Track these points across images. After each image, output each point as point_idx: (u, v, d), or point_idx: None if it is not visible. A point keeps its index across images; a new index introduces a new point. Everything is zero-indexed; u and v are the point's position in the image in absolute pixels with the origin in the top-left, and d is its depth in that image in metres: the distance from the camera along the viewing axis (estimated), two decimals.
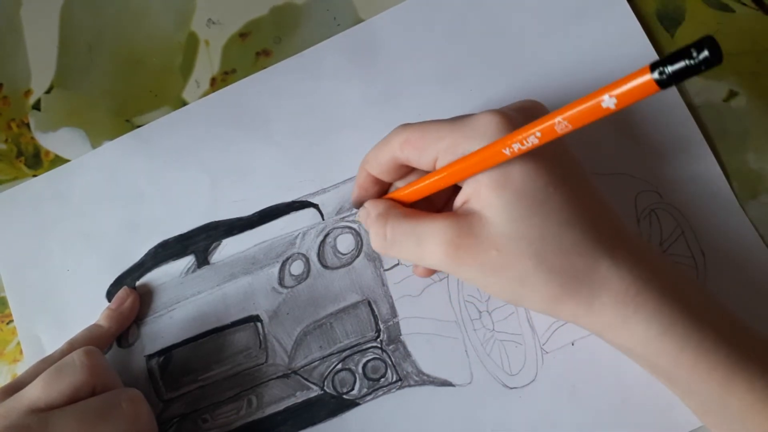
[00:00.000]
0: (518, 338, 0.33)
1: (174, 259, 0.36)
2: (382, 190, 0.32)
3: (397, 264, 0.34)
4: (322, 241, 0.35)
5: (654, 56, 0.35)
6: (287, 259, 0.35)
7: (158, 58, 0.39)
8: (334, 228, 0.35)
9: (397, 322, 0.34)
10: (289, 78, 0.37)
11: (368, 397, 0.33)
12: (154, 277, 0.36)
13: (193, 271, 0.36)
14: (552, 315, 0.27)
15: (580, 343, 0.32)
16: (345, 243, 0.35)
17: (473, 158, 0.25)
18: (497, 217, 0.25)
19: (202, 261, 0.36)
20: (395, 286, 0.34)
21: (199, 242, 0.36)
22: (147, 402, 0.31)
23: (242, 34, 0.39)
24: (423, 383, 0.33)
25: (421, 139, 0.27)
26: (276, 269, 0.35)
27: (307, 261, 0.35)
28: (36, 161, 0.39)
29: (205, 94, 0.38)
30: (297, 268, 0.35)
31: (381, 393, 0.33)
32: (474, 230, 0.26)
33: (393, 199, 0.30)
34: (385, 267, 0.34)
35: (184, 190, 0.37)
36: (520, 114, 0.27)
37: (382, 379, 0.33)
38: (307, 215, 0.36)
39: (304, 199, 0.36)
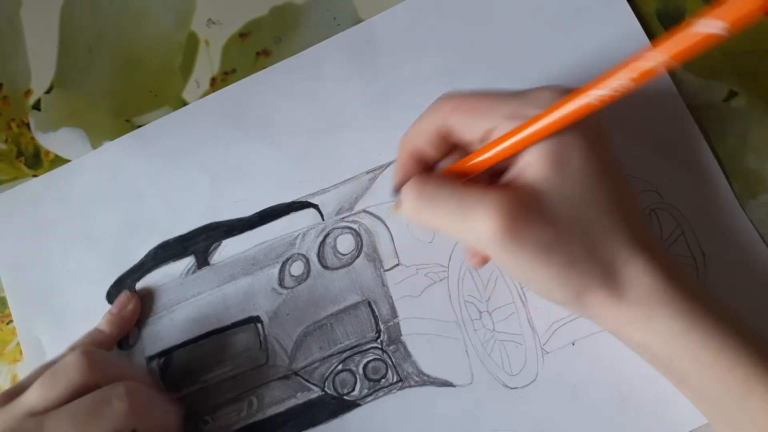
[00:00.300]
0: (519, 338, 0.33)
1: (174, 260, 0.36)
2: (424, 171, 0.29)
3: (398, 264, 0.34)
4: (322, 242, 0.35)
5: None
6: (287, 259, 0.35)
7: (158, 58, 0.39)
8: (334, 228, 0.35)
9: (398, 323, 0.34)
10: (289, 78, 0.37)
11: (369, 398, 0.33)
12: (154, 278, 0.36)
13: (193, 272, 0.36)
14: (576, 306, 0.26)
15: (581, 343, 0.32)
16: (345, 243, 0.35)
17: (558, 110, 0.23)
18: (555, 194, 0.24)
19: (202, 262, 0.36)
20: (395, 286, 0.34)
21: (199, 243, 0.36)
22: (149, 391, 0.30)
23: (242, 34, 0.39)
24: (423, 384, 0.33)
25: (476, 106, 0.26)
26: (276, 270, 0.35)
27: (307, 261, 0.35)
28: (36, 161, 0.39)
29: (205, 94, 0.38)
30: (297, 268, 0.35)
31: (382, 394, 0.33)
32: (532, 205, 0.24)
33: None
34: (386, 267, 0.34)
35: (184, 190, 0.37)
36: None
37: (383, 380, 0.33)
38: (307, 215, 0.36)
39: (304, 200, 0.36)
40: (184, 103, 0.38)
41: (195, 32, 0.39)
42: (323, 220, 0.35)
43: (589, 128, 0.25)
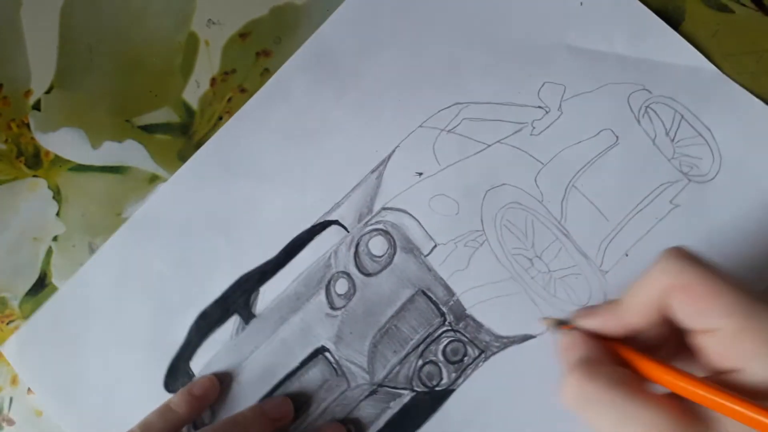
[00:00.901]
0: (575, 269, 0.33)
1: (219, 326, 0.35)
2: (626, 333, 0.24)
3: (435, 246, 0.34)
4: (356, 252, 0.35)
5: None
6: (329, 281, 0.35)
7: (158, 58, 0.39)
8: (362, 235, 0.35)
9: (458, 299, 0.34)
10: (262, 113, 0.37)
11: (460, 381, 0.33)
12: (205, 350, 0.35)
13: (243, 330, 0.35)
14: None
15: (633, 251, 0.33)
16: (378, 245, 0.35)
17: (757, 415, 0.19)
18: None
19: (248, 316, 0.35)
20: (441, 266, 0.34)
21: (237, 299, 0.35)
22: None
23: (242, 34, 0.38)
24: (505, 346, 0.33)
25: (706, 298, 0.21)
26: (322, 295, 0.35)
27: (349, 276, 0.35)
28: (36, 161, 0.38)
29: (205, 94, 0.38)
30: (342, 286, 0.35)
31: (470, 371, 0.33)
32: None
33: (613, 347, 0.24)
34: (425, 253, 0.34)
35: (202, 255, 0.36)
36: None
37: (466, 358, 0.33)
38: (332, 233, 0.35)
39: (322, 221, 0.36)
40: (184, 103, 0.38)
41: (195, 32, 0.39)
42: (348, 231, 0.35)
43: None
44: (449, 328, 0.33)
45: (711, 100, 0.34)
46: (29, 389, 0.36)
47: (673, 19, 0.35)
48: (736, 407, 0.19)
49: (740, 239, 0.33)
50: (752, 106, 0.34)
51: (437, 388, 0.33)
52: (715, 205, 0.33)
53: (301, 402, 0.33)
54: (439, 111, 0.36)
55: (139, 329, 0.36)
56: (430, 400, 0.33)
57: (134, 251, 0.37)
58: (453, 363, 0.33)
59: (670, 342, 0.24)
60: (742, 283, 0.21)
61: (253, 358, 0.34)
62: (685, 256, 0.22)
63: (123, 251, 0.37)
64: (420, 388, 0.33)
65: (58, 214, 0.38)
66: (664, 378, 0.22)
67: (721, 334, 0.21)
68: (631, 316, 0.23)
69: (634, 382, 0.22)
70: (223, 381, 0.34)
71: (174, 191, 0.37)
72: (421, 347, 0.33)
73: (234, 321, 0.35)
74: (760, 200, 0.33)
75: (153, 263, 0.36)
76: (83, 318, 0.36)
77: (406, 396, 0.33)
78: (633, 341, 0.24)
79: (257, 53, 0.38)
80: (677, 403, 0.21)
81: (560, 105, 0.35)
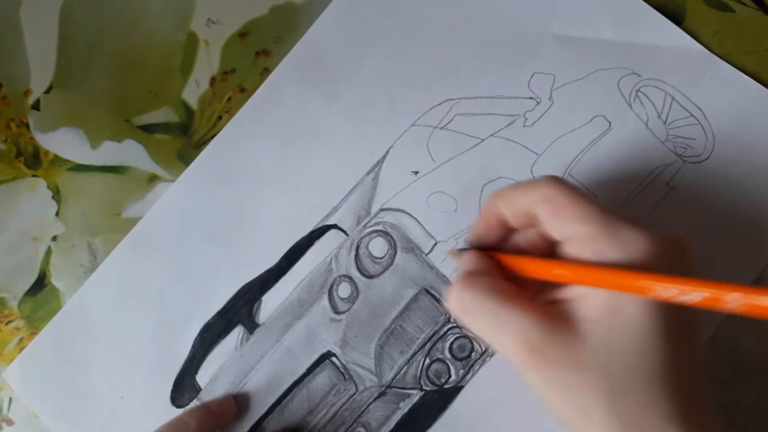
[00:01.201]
0: None
1: (223, 337, 0.35)
2: (504, 234, 0.28)
3: (436, 243, 0.34)
4: (356, 255, 0.35)
5: None
6: (331, 286, 0.34)
7: (158, 58, 0.38)
8: (361, 238, 0.35)
9: None
10: (254, 122, 0.37)
11: (468, 377, 0.33)
12: (210, 363, 0.35)
13: (247, 340, 0.35)
14: None
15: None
16: (378, 247, 0.35)
17: (617, 277, 0.22)
18: (592, 339, 0.23)
19: (251, 326, 0.35)
20: (443, 264, 0.34)
21: (239, 310, 0.35)
22: None
23: (242, 34, 0.38)
24: None
25: (566, 209, 0.24)
26: (325, 300, 0.34)
27: (351, 279, 0.34)
28: (35, 161, 0.38)
29: (205, 94, 0.38)
30: (344, 290, 0.34)
31: (478, 367, 0.33)
32: (561, 340, 0.23)
33: (498, 259, 0.28)
34: (426, 251, 0.34)
35: (202, 268, 0.36)
36: (673, 250, 0.24)
37: (473, 354, 0.33)
38: (332, 238, 0.35)
39: (320, 226, 0.35)
40: (184, 103, 0.38)
41: (195, 32, 0.39)
42: (348, 235, 0.35)
43: None
44: (455, 324, 0.33)
45: (700, 79, 0.34)
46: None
47: (673, 18, 0.35)
48: (597, 274, 0.23)
49: (737, 217, 0.33)
50: (742, 83, 0.34)
51: (446, 386, 0.33)
52: (712, 185, 0.33)
53: (308, 410, 0.33)
54: (430, 108, 0.36)
55: (143, 346, 0.36)
56: (440, 399, 0.33)
57: (133, 267, 0.36)
58: (460, 359, 0.33)
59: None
60: (600, 202, 0.25)
61: (259, 368, 0.34)
62: (555, 179, 0.26)
63: (122, 268, 0.36)
64: (429, 387, 0.33)
65: (57, 214, 0.38)
66: (534, 267, 0.26)
67: (578, 240, 0.24)
68: (507, 219, 0.27)
69: (509, 291, 0.25)
70: (224, 389, 0.34)
71: (170, 205, 0.37)
72: (428, 346, 0.33)
73: (238, 332, 0.35)
74: (755, 177, 0.33)
75: (153, 278, 0.36)
76: (85, 339, 0.36)
77: (415, 396, 0.33)
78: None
79: (257, 53, 0.38)
80: (546, 309, 0.24)
81: (551, 94, 0.35)
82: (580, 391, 0.23)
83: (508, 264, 0.27)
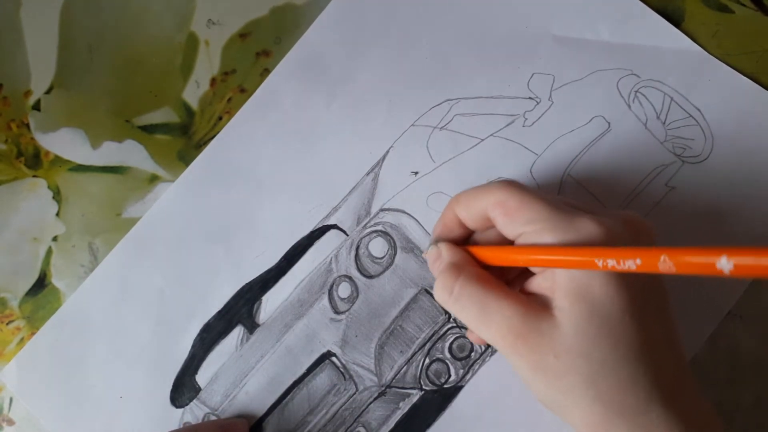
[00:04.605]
0: None
1: (223, 337, 0.35)
2: (465, 235, 0.30)
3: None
4: (356, 255, 0.35)
5: None
6: (331, 286, 0.35)
7: (158, 58, 0.39)
8: (361, 238, 0.35)
9: None
10: (255, 120, 0.37)
11: (468, 377, 0.33)
12: (210, 363, 0.35)
13: (247, 340, 0.35)
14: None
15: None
16: (378, 247, 0.35)
17: (561, 252, 0.24)
18: (566, 326, 0.24)
19: (251, 326, 0.35)
20: None
21: (240, 310, 0.35)
22: None
23: (242, 35, 0.38)
24: None
25: (516, 211, 0.26)
26: (325, 300, 0.34)
27: (351, 279, 0.34)
28: (36, 162, 0.38)
29: (205, 95, 0.38)
30: (344, 290, 0.34)
31: (477, 367, 0.33)
32: (540, 327, 0.25)
33: (469, 252, 0.29)
34: (425, 251, 0.34)
35: (201, 268, 0.36)
36: (626, 229, 0.25)
37: (473, 354, 0.33)
38: (332, 238, 0.35)
39: (320, 226, 0.35)
40: (184, 103, 0.38)
41: (195, 32, 0.39)
42: (347, 235, 0.35)
43: None
44: (454, 324, 0.33)
45: (699, 80, 0.34)
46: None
47: (672, 19, 0.35)
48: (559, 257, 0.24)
49: (736, 217, 0.33)
50: (740, 84, 0.34)
51: (446, 386, 0.33)
52: (711, 185, 0.33)
53: (308, 409, 0.33)
54: (430, 109, 0.36)
55: (142, 346, 0.36)
56: (440, 398, 0.33)
57: (133, 267, 0.36)
58: (460, 359, 0.33)
59: None
60: (553, 200, 0.26)
61: (260, 368, 0.34)
62: (508, 183, 0.27)
63: (122, 268, 0.36)
64: (429, 387, 0.33)
65: (57, 214, 0.38)
66: (503, 256, 0.27)
67: (527, 236, 0.26)
68: (466, 222, 0.29)
69: (492, 281, 0.27)
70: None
71: (170, 205, 0.37)
72: (428, 346, 0.33)
73: (238, 332, 0.35)
74: (753, 177, 0.33)
75: (153, 278, 0.36)
76: (83, 339, 0.36)
77: (415, 396, 0.33)
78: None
79: (257, 53, 0.38)
80: (525, 298, 0.26)
81: (550, 95, 0.35)
82: (562, 375, 0.24)
83: (476, 255, 0.29)
